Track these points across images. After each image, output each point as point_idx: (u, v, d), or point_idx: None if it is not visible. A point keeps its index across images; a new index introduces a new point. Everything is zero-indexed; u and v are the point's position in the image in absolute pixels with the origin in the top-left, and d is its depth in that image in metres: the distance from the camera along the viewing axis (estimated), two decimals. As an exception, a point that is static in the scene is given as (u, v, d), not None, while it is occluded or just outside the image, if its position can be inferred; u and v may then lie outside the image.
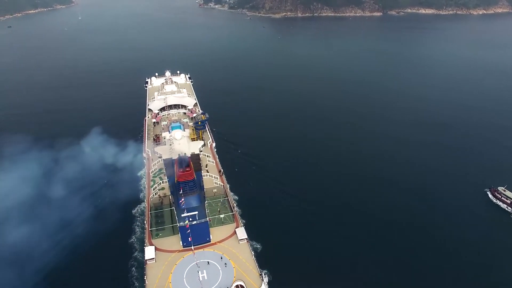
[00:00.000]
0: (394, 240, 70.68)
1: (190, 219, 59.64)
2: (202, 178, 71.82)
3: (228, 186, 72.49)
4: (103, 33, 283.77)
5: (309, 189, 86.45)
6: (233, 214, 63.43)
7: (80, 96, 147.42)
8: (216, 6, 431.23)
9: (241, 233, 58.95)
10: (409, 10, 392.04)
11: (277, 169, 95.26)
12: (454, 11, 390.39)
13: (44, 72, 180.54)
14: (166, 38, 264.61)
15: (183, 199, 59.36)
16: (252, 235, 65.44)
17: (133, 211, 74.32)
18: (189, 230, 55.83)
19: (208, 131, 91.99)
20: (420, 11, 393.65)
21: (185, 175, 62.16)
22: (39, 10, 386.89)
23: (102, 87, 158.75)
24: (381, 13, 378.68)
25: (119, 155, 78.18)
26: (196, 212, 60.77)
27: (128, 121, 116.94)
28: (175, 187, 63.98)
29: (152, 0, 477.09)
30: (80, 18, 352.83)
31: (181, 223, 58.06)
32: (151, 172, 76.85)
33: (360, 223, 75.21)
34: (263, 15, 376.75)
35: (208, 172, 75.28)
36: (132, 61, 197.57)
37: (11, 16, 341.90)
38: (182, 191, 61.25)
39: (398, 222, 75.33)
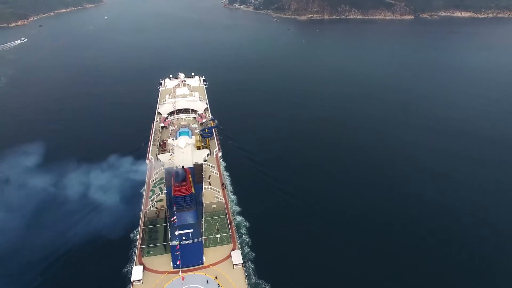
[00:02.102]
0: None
1: (184, 238, 55.27)
2: (203, 192, 67.41)
3: (229, 202, 67.48)
4: (127, 32, 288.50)
5: (340, 218, 73.11)
6: (230, 234, 58.29)
7: (93, 96, 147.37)
8: (241, 6, 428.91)
9: (237, 257, 53.83)
10: (443, 13, 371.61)
11: (296, 188, 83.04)
12: (494, 14, 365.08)
13: (64, 69, 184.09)
14: (187, 38, 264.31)
15: (175, 217, 54.86)
16: (257, 269, 59.40)
17: (132, 235, 65.46)
18: (178, 252, 51.29)
19: (215, 138, 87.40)
20: (455, 14, 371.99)
21: (181, 189, 57.80)
22: (70, 9, 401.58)
23: (118, 88, 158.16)
24: (413, 17, 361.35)
25: (121, 166, 73.71)
26: (191, 230, 56.23)
27: (139, 125, 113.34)
28: (171, 200, 59.85)
29: (178, 0, 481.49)
30: (106, 17, 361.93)
31: (174, 242, 53.83)
32: (151, 182, 73.29)
33: (398, 256, 64.32)
34: (289, 16, 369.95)
35: (210, 184, 70.66)
36: (151, 61, 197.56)
37: (43, 15, 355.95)
38: (176, 207, 56.86)
39: (439, 251, 66.30)
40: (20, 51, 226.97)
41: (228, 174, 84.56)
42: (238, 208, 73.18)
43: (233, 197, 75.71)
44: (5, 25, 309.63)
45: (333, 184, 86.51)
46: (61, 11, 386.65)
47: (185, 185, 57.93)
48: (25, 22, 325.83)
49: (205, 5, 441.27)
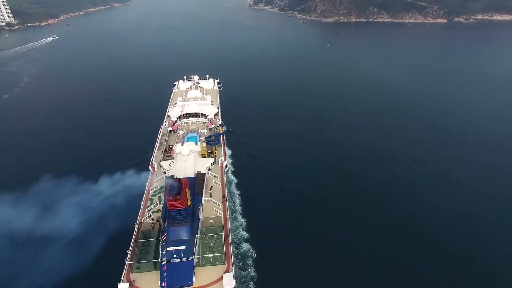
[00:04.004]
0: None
1: (175, 255, 51.61)
2: (202, 204, 63.47)
3: (228, 217, 62.88)
4: (149, 31, 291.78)
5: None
6: (225, 254, 53.83)
7: (109, 96, 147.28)
8: (266, 7, 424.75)
9: (229, 280, 49.31)
10: (480, 17, 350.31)
11: (318, 211, 73.72)
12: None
13: (83, 69, 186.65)
14: (208, 38, 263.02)
15: (165, 234, 51.16)
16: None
17: (125, 260, 55.37)
18: (165, 274, 47.55)
19: (222, 145, 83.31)
20: (494, 17, 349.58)
21: (175, 203, 54.03)
22: (98, 8, 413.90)
23: (133, 88, 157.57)
24: (446, 20, 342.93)
25: (123, 170, 70.67)
26: (183, 247, 52.63)
27: (151, 128, 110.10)
28: (166, 213, 56.27)
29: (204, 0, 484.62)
30: (130, 17, 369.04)
31: (162, 260, 50.27)
32: (151, 190, 70.16)
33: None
34: (314, 18, 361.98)
35: (211, 196, 66.58)
36: (170, 61, 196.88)
37: (73, 14, 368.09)
38: (168, 221, 53.21)
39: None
40: (45, 50, 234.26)
41: (239, 192, 78.59)
42: (246, 234, 65.85)
43: (242, 220, 69.30)
44: (37, 24, 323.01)
45: (363, 209, 75.71)
46: (90, 10, 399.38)
47: (180, 199, 54.12)
48: (55, 21, 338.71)
49: (230, 5, 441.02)
